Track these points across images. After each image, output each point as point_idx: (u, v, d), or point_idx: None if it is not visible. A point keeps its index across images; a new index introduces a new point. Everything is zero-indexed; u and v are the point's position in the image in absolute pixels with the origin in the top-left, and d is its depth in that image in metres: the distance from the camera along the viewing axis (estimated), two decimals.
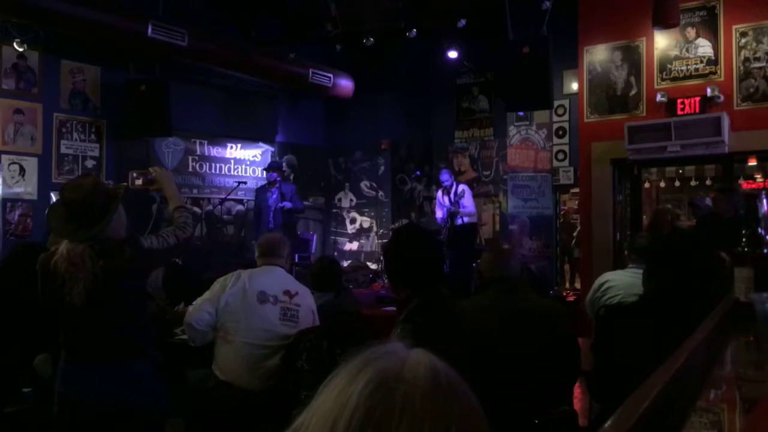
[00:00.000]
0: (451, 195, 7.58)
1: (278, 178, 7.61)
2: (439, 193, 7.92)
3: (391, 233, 5.57)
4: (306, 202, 9.75)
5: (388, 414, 0.69)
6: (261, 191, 7.76)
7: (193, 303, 3.29)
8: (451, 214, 7.51)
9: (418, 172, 9.47)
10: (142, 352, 2.55)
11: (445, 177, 7.81)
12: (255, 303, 3.20)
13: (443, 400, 0.72)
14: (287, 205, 7.46)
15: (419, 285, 2.14)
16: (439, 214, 7.80)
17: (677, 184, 9.26)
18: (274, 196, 7.49)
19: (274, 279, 3.35)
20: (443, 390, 0.73)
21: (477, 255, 7.38)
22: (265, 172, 7.91)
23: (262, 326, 3.19)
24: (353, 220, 9.93)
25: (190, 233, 2.74)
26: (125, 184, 2.76)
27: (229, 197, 8.34)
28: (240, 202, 8.82)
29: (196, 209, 8.29)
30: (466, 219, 7.52)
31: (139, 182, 2.93)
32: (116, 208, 2.50)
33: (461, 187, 7.74)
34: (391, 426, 0.68)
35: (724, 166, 6.62)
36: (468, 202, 7.63)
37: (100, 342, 2.48)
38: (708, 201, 5.27)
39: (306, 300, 3.42)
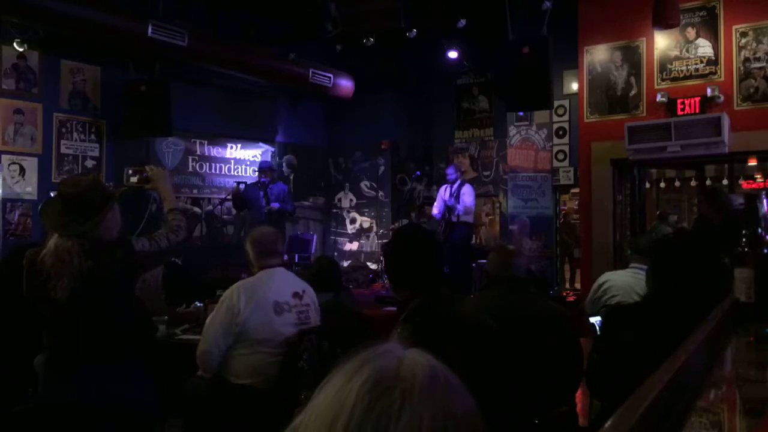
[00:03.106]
0: (453, 189, 7.58)
1: (264, 180, 7.47)
2: (443, 188, 7.90)
3: (391, 233, 5.57)
4: (306, 202, 9.75)
5: (386, 412, 0.69)
6: (252, 187, 7.66)
7: (204, 337, 3.14)
8: (449, 208, 7.51)
9: (418, 173, 9.47)
10: (130, 354, 2.51)
11: (450, 171, 7.82)
12: (273, 317, 3.16)
13: (440, 398, 0.72)
14: (275, 206, 7.35)
15: (420, 285, 2.14)
16: (435, 210, 7.82)
17: (677, 184, 9.28)
18: (262, 200, 7.40)
19: (282, 283, 3.32)
20: (440, 388, 0.73)
21: (475, 255, 7.40)
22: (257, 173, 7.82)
23: (282, 335, 3.17)
24: (353, 221, 9.93)
25: (183, 236, 2.69)
26: (125, 188, 2.75)
27: (229, 197, 8.32)
28: None
29: (196, 209, 8.28)
30: (460, 209, 7.46)
31: (134, 179, 2.89)
32: (111, 207, 2.48)
33: (465, 185, 7.74)
34: (389, 424, 0.68)
35: (725, 167, 6.62)
36: (468, 198, 7.60)
37: (86, 342, 2.44)
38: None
39: (311, 296, 3.43)
